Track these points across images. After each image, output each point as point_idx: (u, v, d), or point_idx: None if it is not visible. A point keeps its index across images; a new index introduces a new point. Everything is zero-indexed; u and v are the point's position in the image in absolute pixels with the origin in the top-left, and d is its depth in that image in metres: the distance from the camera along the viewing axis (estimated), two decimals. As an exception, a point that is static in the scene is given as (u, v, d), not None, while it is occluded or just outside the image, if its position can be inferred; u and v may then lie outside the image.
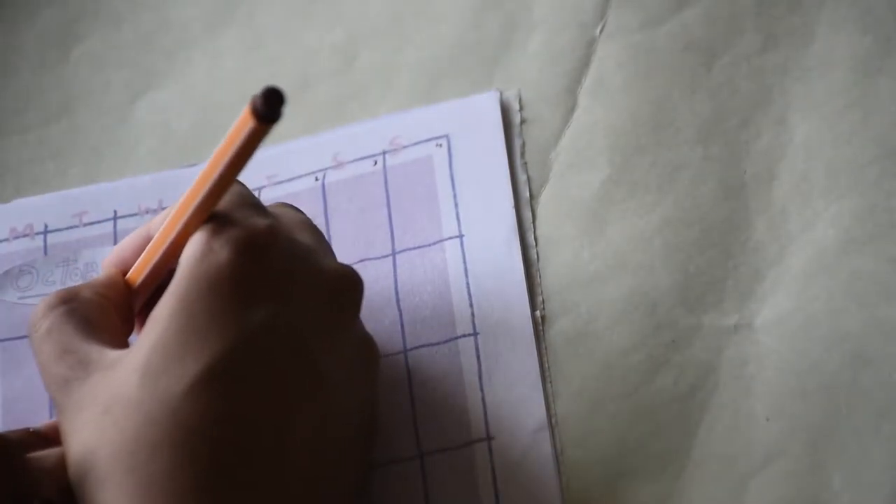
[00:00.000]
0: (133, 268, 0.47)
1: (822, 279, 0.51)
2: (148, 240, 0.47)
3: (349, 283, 0.46)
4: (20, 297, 0.55)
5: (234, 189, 0.45)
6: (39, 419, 0.52)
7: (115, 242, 0.55)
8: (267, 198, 0.55)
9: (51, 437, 0.50)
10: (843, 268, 0.51)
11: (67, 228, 0.56)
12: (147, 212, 0.56)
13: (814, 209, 0.52)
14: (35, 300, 0.54)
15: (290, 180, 0.56)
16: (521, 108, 0.56)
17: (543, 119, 0.56)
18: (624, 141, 0.55)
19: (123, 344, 0.46)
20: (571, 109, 0.56)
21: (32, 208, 0.57)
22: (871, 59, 0.54)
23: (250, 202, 0.46)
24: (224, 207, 0.44)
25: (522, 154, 0.55)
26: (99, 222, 0.56)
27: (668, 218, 0.53)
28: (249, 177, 0.56)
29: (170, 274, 0.44)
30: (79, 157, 0.59)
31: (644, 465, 0.49)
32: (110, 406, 0.41)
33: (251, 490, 0.41)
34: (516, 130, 0.56)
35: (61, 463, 0.45)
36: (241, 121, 0.40)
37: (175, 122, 0.59)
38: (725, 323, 0.51)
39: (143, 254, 0.46)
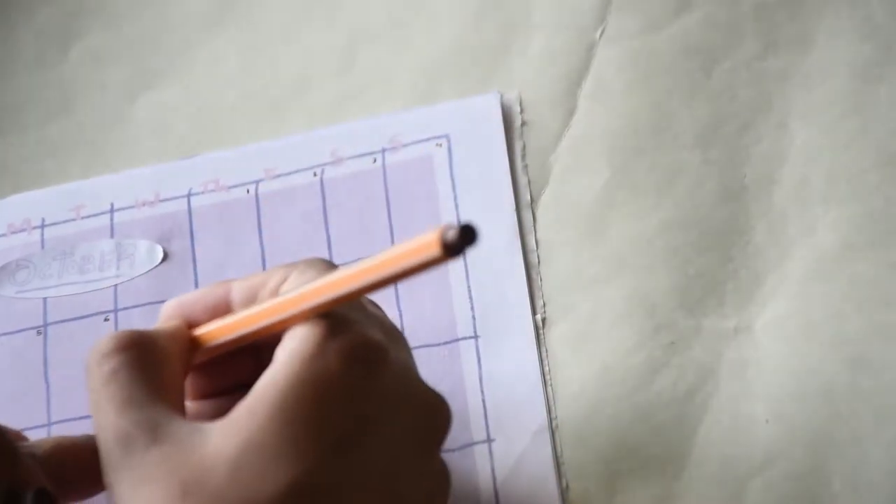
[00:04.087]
0: (206, 327, 0.44)
1: (822, 283, 0.51)
2: (222, 299, 0.44)
3: (442, 411, 0.43)
4: (18, 292, 0.54)
5: None
6: (39, 419, 0.51)
7: (112, 235, 0.55)
8: (264, 191, 0.55)
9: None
10: (842, 272, 0.51)
11: (65, 222, 0.56)
12: (144, 204, 0.56)
13: (814, 214, 0.52)
14: (32, 294, 0.54)
15: (288, 174, 0.56)
16: (521, 111, 0.56)
17: (543, 122, 0.56)
18: (623, 144, 0.55)
19: (181, 405, 0.43)
20: (571, 112, 0.56)
21: (30, 203, 0.57)
22: (871, 66, 0.54)
23: (362, 303, 0.43)
24: (342, 306, 0.41)
25: (523, 157, 0.55)
26: (96, 215, 0.56)
27: (668, 221, 0.53)
28: (247, 169, 0.56)
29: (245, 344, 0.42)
30: (78, 156, 0.58)
31: (643, 466, 0.49)
32: (191, 490, 0.39)
33: None
34: (517, 133, 0.55)
35: (54, 451, 0.45)
36: (422, 243, 0.37)
37: (174, 121, 0.59)
38: (725, 325, 0.51)
39: (229, 319, 0.43)
